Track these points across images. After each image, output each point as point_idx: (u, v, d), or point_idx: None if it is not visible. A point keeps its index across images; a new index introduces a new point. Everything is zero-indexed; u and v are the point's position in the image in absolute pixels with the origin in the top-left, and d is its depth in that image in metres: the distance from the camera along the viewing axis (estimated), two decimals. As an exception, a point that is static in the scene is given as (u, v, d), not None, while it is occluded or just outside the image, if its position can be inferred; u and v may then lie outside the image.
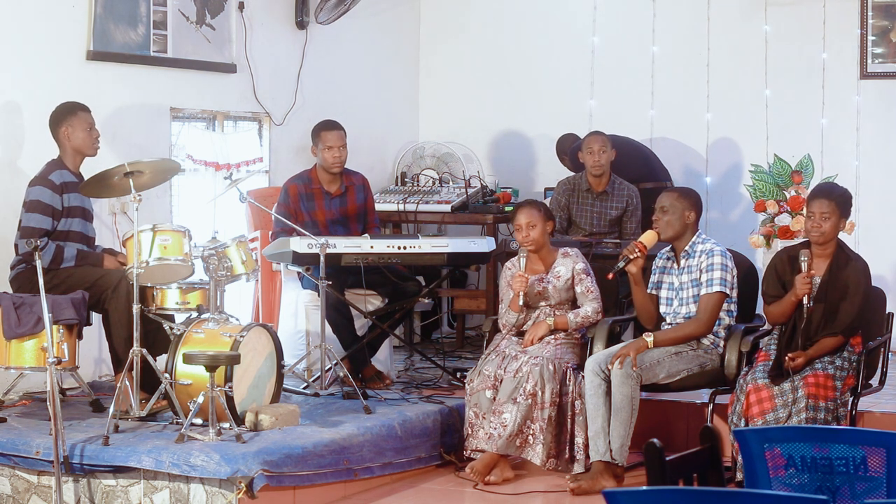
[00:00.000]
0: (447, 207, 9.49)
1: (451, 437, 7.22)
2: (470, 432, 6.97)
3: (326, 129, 7.99)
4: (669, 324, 6.96)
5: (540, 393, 6.82)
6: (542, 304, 7.21)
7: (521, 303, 7.10)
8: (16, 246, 7.14)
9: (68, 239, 7.11)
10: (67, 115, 7.19)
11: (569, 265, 7.21)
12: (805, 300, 6.56)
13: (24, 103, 7.61)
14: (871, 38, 9.42)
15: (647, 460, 3.91)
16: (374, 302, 8.03)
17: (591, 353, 6.94)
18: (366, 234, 7.77)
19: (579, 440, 6.88)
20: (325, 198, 8.01)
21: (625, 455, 6.67)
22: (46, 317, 6.22)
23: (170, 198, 8.42)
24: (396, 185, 10.01)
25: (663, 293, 7.01)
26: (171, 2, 8.42)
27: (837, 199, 6.66)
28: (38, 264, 6.21)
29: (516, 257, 7.25)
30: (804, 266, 6.59)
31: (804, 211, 8.25)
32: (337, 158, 7.97)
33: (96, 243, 7.36)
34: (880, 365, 6.86)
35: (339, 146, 7.97)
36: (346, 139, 8.06)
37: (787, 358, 6.49)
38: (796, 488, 4.20)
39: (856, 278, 6.61)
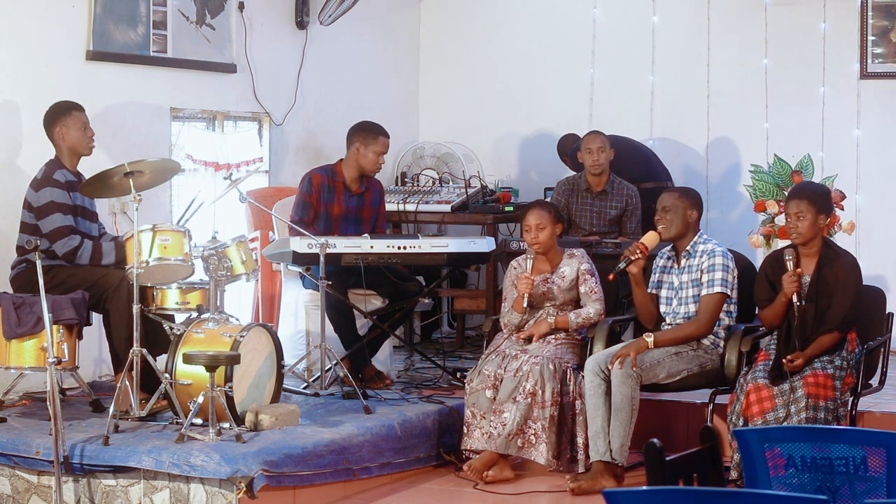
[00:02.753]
0: (447, 207, 9.49)
1: (450, 437, 7.22)
2: (466, 432, 6.97)
3: (383, 134, 8.03)
4: (669, 324, 6.96)
5: (540, 392, 6.82)
6: (547, 304, 7.20)
7: (525, 304, 7.10)
8: (19, 247, 7.13)
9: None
10: (61, 115, 7.19)
11: (574, 265, 7.21)
12: (794, 299, 6.56)
13: (23, 103, 7.61)
14: (871, 38, 9.42)
15: (647, 460, 3.91)
16: (375, 302, 8.03)
17: (591, 353, 6.94)
18: (366, 234, 7.77)
19: (580, 440, 6.88)
20: (345, 193, 8.03)
21: (625, 455, 6.67)
22: (46, 317, 6.22)
23: (170, 198, 8.43)
24: (396, 185, 10.01)
25: (663, 293, 7.02)
26: (171, 2, 8.42)
27: (810, 197, 6.65)
28: (38, 264, 6.21)
29: (522, 257, 7.24)
30: (789, 265, 6.60)
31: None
32: (381, 164, 8.08)
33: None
34: (880, 365, 6.86)
35: (385, 153, 8.04)
36: None
37: (785, 360, 6.49)
38: (796, 488, 4.20)
39: (845, 273, 6.61)
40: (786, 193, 8.68)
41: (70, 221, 7.03)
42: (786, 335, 6.63)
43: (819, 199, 6.67)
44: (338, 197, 8.02)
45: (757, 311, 6.84)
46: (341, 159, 8.10)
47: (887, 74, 9.41)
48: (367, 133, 7.98)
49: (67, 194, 7.06)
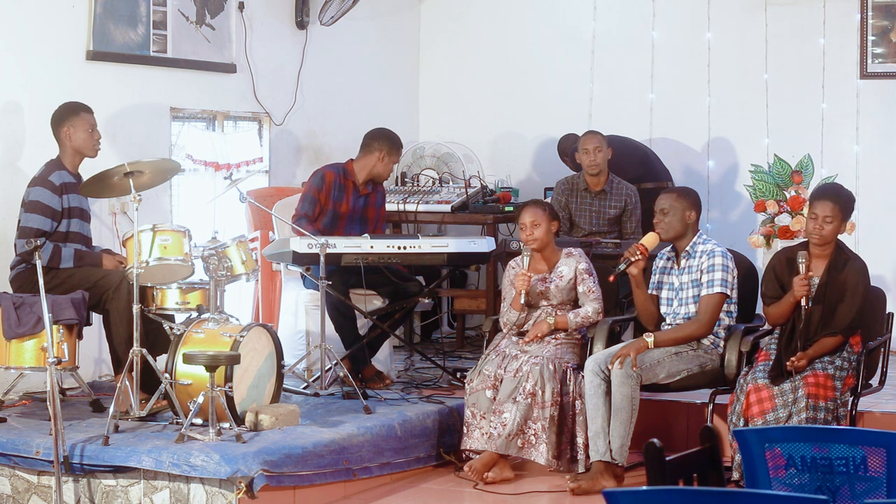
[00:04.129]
0: (447, 207, 9.49)
1: (450, 437, 7.22)
2: (466, 432, 6.97)
3: (401, 147, 8.22)
4: (669, 324, 6.96)
5: (540, 392, 6.82)
6: (544, 303, 7.21)
7: (522, 301, 7.11)
8: (15, 246, 7.14)
9: (68, 240, 7.11)
10: (70, 115, 7.19)
11: (572, 265, 7.22)
12: (803, 302, 6.56)
13: (24, 103, 7.61)
14: (871, 38, 9.42)
15: (647, 460, 3.91)
16: (375, 302, 8.03)
17: (591, 353, 6.94)
18: (366, 234, 7.78)
19: (580, 440, 6.88)
20: (353, 192, 8.08)
21: (625, 455, 6.67)
22: (46, 317, 6.22)
23: (170, 198, 8.43)
24: (396, 185, 10.01)
25: (664, 293, 7.01)
26: (171, 2, 8.42)
27: (842, 203, 6.64)
28: (38, 264, 6.22)
29: (520, 256, 7.25)
30: (801, 268, 6.59)
31: (805, 211, 8.24)
32: (391, 175, 8.29)
33: (94, 244, 7.36)
34: (880, 365, 6.86)
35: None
36: None
37: (790, 361, 6.48)
38: (796, 488, 4.20)
39: (854, 278, 6.60)
40: (786, 194, 8.69)
41: (46, 226, 7.01)
42: (788, 335, 6.62)
43: (848, 206, 6.69)
44: (347, 196, 8.05)
45: (762, 308, 6.83)
46: (352, 159, 8.12)
47: (887, 74, 9.41)
48: (393, 145, 8.10)
49: (58, 198, 7.06)
